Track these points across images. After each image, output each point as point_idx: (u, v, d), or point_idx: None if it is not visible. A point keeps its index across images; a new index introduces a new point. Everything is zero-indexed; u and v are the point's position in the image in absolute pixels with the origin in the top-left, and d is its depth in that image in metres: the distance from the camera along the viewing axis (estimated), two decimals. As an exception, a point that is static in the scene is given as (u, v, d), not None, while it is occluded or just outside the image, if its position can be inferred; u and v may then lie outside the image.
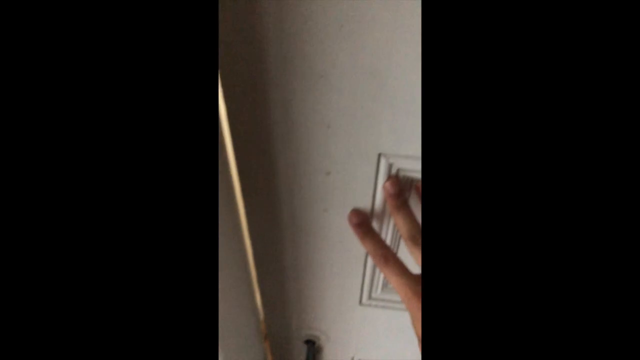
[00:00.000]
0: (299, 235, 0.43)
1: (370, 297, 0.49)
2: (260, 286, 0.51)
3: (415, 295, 0.33)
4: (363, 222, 0.38)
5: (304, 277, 0.48)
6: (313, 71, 0.30)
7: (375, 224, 0.40)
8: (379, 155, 0.34)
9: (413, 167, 0.35)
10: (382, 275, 0.47)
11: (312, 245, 0.44)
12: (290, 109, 0.32)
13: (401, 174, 0.35)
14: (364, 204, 0.38)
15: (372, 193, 0.37)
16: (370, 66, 0.29)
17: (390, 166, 0.35)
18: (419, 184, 0.35)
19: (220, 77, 0.31)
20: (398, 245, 0.42)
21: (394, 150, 0.33)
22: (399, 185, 0.35)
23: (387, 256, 0.35)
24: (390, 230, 0.40)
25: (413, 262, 0.35)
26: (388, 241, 0.41)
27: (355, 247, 0.43)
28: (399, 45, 0.27)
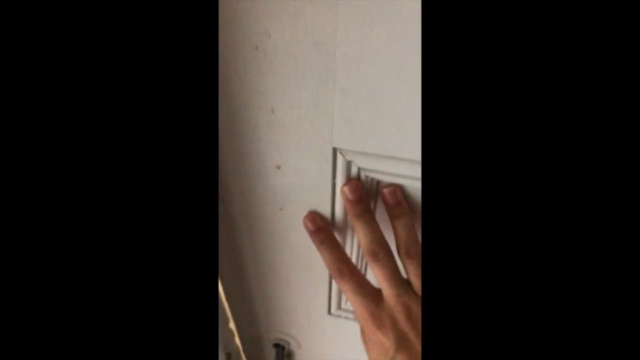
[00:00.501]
0: (255, 235, 0.38)
1: (339, 308, 0.44)
2: (223, 286, 0.47)
3: (370, 317, 0.28)
4: (320, 229, 0.32)
5: (267, 280, 0.44)
6: (246, 40, 0.24)
7: (338, 230, 0.34)
8: (335, 151, 0.28)
9: (377, 167, 0.29)
10: (352, 286, 0.41)
11: (270, 246, 0.39)
12: (227, 86, 0.27)
13: (363, 174, 0.30)
14: (323, 204, 0.33)
15: (331, 193, 0.31)
16: (313, 39, 0.23)
17: (349, 164, 0.29)
18: (386, 190, 0.29)
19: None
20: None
21: (350, 145, 0.27)
22: (359, 190, 0.29)
23: (342, 270, 0.30)
24: (355, 238, 0.35)
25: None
26: (354, 250, 0.36)
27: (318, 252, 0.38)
28: (347, 15, 0.21)
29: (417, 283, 0.28)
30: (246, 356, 0.60)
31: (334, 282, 0.41)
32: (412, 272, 0.28)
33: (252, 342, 0.56)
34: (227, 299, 0.50)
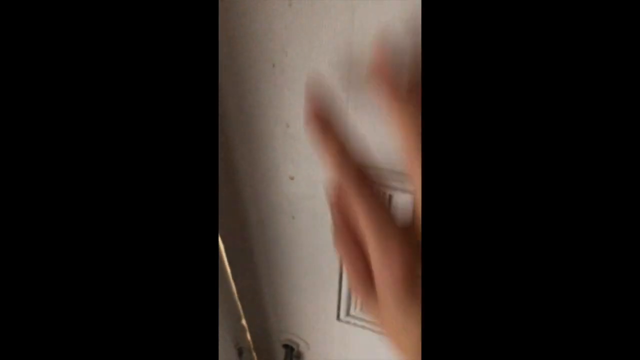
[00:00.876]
0: (269, 240, 0.39)
1: (348, 314, 0.45)
2: (236, 285, 0.48)
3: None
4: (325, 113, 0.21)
5: (278, 283, 0.45)
6: (264, 57, 0.25)
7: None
8: (347, 165, 0.29)
9: (388, 182, 0.29)
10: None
11: (283, 253, 0.40)
12: (245, 100, 0.27)
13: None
14: (335, 216, 0.33)
15: (343, 205, 0.32)
16: (328, 57, 0.23)
17: (361, 178, 0.29)
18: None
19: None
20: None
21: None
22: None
23: (358, 174, 0.20)
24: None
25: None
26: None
27: (328, 259, 0.38)
28: (363, 35, 0.22)
29: None
30: (257, 353, 0.61)
31: (343, 288, 0.41)
32: None
33: (263, 340, 0.57)
34: (240, 299, 0.51)
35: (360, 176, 0.20)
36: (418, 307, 0.20)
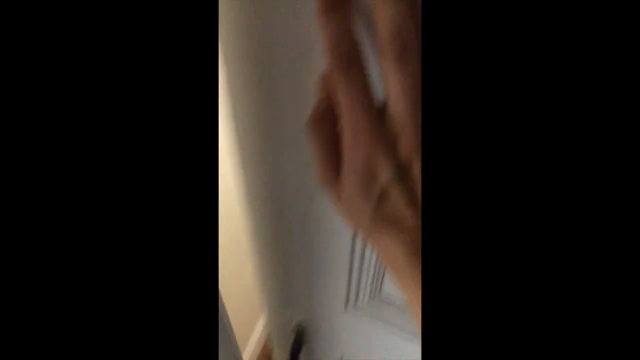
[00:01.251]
0: (282, 231, 0.40)
1: (355, 306, 0.46)
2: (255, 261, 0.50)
3: (368, 129, 0.20)
4: None
5: (291, 266, 0.46)
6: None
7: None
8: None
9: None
10: (369, 284, 0.42)
11: (296, 235, 0.41)
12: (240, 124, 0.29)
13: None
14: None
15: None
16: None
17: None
18: None
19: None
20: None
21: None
22: None
23: (352, 54, 0.19)
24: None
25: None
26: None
27: (338, 252, 0.39)
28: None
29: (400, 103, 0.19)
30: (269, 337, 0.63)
31: (352, 282, 0.42)
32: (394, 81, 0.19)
33: (275, 321, 0.59)
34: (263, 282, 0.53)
35: (352, 57, 0.19)
36: (376, 190, 0.21)
